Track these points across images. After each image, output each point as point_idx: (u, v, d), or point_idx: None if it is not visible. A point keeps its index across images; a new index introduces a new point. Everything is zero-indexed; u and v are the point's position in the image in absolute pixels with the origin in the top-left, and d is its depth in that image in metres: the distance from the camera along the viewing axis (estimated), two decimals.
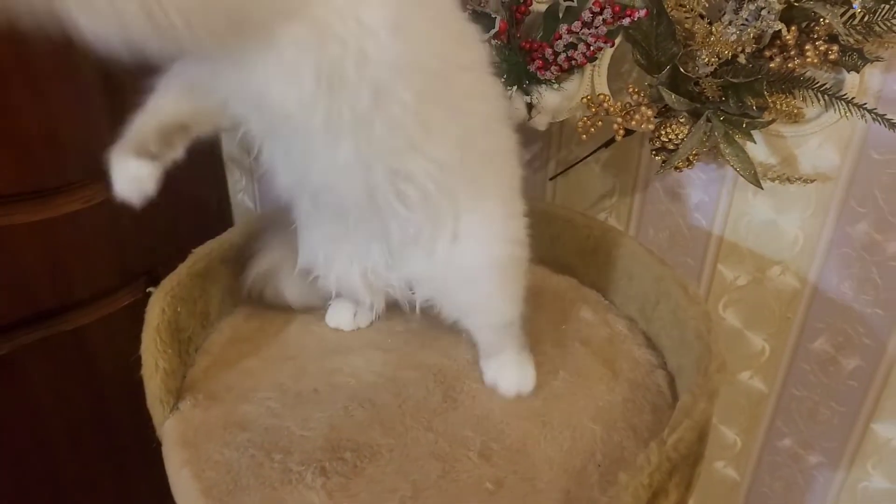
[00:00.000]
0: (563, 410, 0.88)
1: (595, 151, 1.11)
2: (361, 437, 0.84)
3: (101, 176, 1.31)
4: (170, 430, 0.85)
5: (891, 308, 1.05)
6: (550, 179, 1.19)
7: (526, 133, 1.14)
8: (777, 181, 1.02)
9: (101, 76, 1.27)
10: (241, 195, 1.58)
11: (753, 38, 0.85)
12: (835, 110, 0.93)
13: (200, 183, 1.53)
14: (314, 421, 0.85)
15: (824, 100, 0.91)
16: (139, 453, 1.57)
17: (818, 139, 1.00)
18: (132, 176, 0.77)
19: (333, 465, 0.80)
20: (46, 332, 1.36)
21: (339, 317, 0.96)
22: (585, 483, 0.79)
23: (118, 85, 1.28)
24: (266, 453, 0.80)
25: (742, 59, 0.87)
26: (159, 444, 0.87)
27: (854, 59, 0.86)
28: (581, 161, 1.14)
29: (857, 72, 0.88)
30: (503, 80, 1.01)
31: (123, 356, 1.50)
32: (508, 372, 0.88)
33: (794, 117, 0.96)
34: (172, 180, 0.89)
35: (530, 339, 0.93)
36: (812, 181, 1.02)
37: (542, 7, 1.00)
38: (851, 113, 0.91)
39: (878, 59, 0.87)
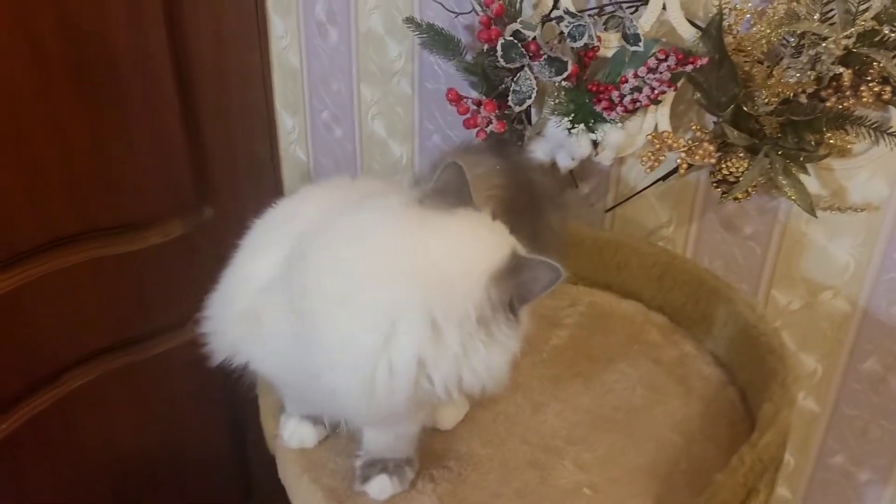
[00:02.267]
0: (644, 424, 0.95)
1: (653, 184, 1.19)
2: (463, 447, 0.90)
3: (178, 212, 1.40)
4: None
5: None
6: (607, 211, 1.27)
7: (585, 168, 1.22)
8: (829, 210, 1.10)
9: (184, 118, 1.36)
10: (293, 147, 1.61)
11: (813, 79, 0.93)
12: (884, 144, 1.01)
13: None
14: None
15: (875, 135, 0.99)
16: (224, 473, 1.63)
17: (867, 172, 1.07)
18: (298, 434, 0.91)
19: (440, 472, 0.87)
20: (131, 359, 1.44)
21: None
22: (674, 488, 0.86)
23: (198, 125, 1.38)
24: None
25: (803, 98, 0.96)
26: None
27: None
28: (639, 193, 1.22)
29: None
30: (570, 119, 1.09)
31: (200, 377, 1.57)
32: None
33: (846, 152, 1.04)
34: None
35: (603, 359, 1.01)
36: (862, 210, 1.09)
37: (609, 52, 1.09)
38: None
39: None
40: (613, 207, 1.26)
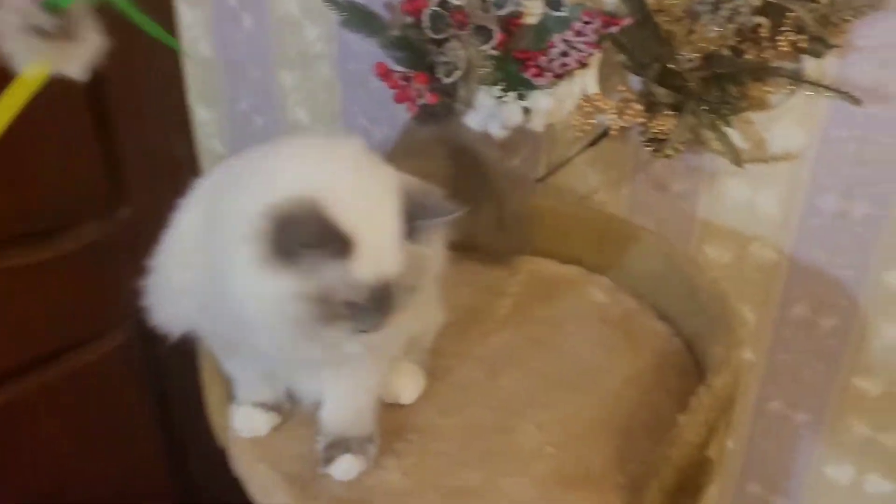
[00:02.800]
0: (599, 381, 0.96)
1: (584, 150, 1.20)
2: (422, 419, 0.89)
3: (93, 214, 1.34)
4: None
5: (860, 269, 1.17)
6: (539, 181, 1.28)
7: (514, 137, 1.23)
8: (752, 163, 1.13)
9: (93, 115, 1.30)
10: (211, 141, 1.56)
11: (734, 32, 0.96)
12: (800, 94, 1.05)
13: None
14: None
15: (793, 85, 1.03)
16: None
17: (786, 122, 1.11)
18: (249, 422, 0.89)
19: (402, 446, 0.86)
20: (45, 378, 1.36)
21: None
22: (634, 438, 0.87)
23: (109, 123, 1.32)
24: None
25: (725, 51, 0.98)
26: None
27: (818, 47, 0.98)
28: (569, 161, 1.23)
29: (821, 58, 1.00)
30: (501, 87, 1.09)
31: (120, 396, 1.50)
32: None
33: (764, 105, 1.08)
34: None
35: (550, 322, 1.02)
36: (783, 160, 1.13)
37: (533, 19, 1.09)
38: (816, 94, 1.03)
39: (836, 46, 0.99)
40: (545, 177, 1.27)
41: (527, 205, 1.11)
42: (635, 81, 1.11)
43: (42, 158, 1.24)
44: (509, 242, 1.14)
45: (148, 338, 1.43)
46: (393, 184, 0.72)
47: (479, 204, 1.10)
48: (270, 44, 1.38)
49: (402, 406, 0.91)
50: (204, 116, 1.51)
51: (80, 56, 0.74)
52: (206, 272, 0.75)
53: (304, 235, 0.67)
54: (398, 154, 1.04)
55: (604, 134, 1.14)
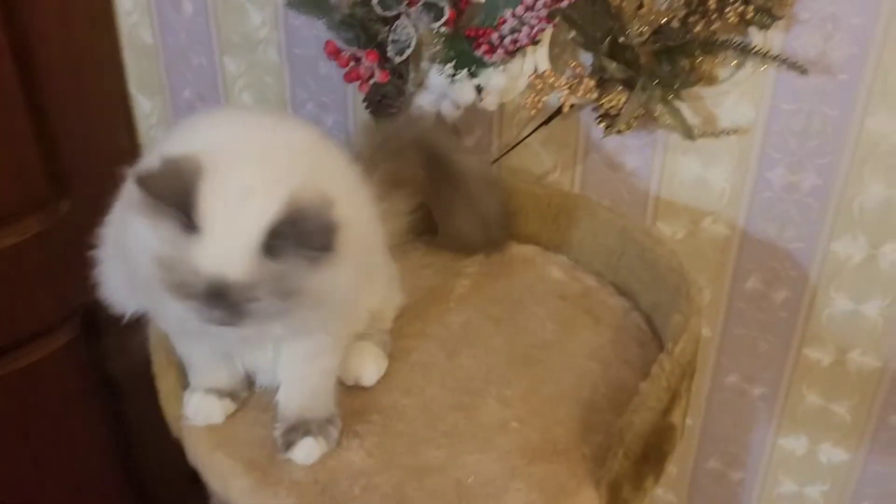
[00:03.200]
0: (560, 356, 0.95)
1: (537, 129, 1.20)
2: (383, 400, 0.87)
3: (32, 208, 1.29)
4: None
5: (809, 240, 1.19)
6: (493, 162, 1.27)
7: (467, 119, 1.22)
8: (702, 138, 1.14)
9: (30, 105, 1.25)
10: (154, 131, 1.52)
11: (683, 3, 0.97)
12: (748, 68, 1.06)
13: None
14: None
15: (741, 57, 1.03)
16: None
17: (734, 97, 1.12)
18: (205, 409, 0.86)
19: (364, 427, 0.84)
20: None
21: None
22: (597, 409, 0.87)
23: (46, 113, 1.27)
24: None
25: (675, 23, 0.99)
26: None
27: (764, 18, 0.99)
28: (522, 141, 1.23)
29: (768, 28, 1.01)
30: (452, 66, 1.08)
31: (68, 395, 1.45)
32: None
33: (713, 79, 1.09)
34: None
35: (510, 301, 1.01)
36: (733, 133, 1.14)
37: None
38: (763, 68, 1.04)
39: (781, 17, 1.00)
40: (499, 158, 1.26)
41: (502, 205, 1.10)
42: (586, 58, 1.11)
43: None
44: (486, 240, 1.13)
45: (95, 333, 1.43)
46: (286, 188, 0.66)
47: (454, 206, 1.09)
48: (213, 29, 1.34)
49: (363, 388, 0.89)
50: (146, 107, 1.47)
51: None
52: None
53: (160, 188, 0.63)
54: (372, 156, 1.02)
55: (557, 112, 1.14)
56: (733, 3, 0.98)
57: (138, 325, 0.87)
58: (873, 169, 1.12)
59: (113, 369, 1.45)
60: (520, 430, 0.84)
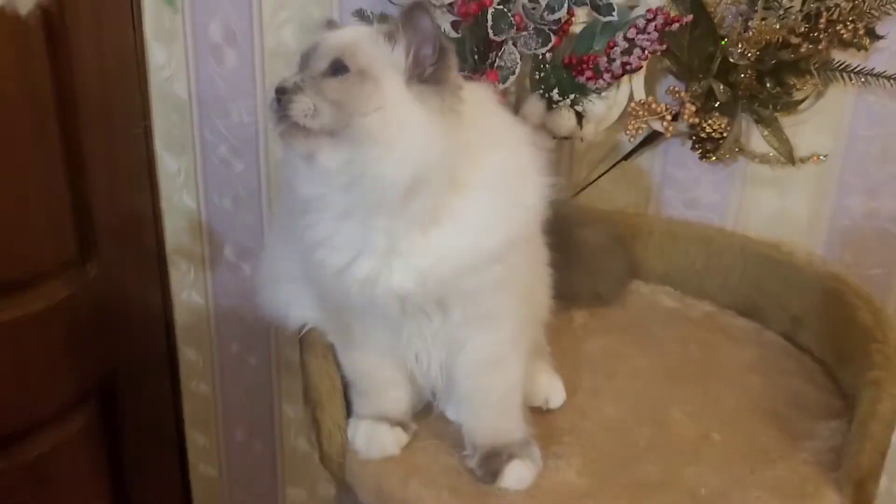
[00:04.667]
0: (717, 371, 0.92)
1: (613, 166, 1.19)
2: (564, 424, 0.80)
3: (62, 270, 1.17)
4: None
5: (889, 267, 1.20)
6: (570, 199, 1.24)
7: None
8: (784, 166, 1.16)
9: (67, 164, 1.14)
10: (187, 292, 1.45)
11: (802, 19, 0.99)
12: (828, 95, 1.10)
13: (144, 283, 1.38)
14: None
15: (833, 78, 1.06)
16: None
17: (813, 125, 1.15)
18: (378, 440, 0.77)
19: (561, 448, 0.76)
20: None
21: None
22: (787, 418, 0.83)
23: (82, 172, 1.17)
24: None
25: (794, 39, 1.00)
26: None
27: (864, 40, 1.03)
28: (597, 179, 1.21)
29: (867, 49, 1.05)
30: (555, 93, 1.06)
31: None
32: None
33: (793, 107, 1.11)
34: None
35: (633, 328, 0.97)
36: (814, 161, 1.16)
37: (577, 27, 1.08)
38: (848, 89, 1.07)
39: (881, 37, 1.04)
40: (574, 196, 1.23)
41: (621, 272, 1.09)
42: (681, 86, 1.12)
43: (20, 206, 1.08)
44: (599, 300, 1.08)
45: (109, 422, 1.27)
46: None
47: (571, 272, 1.03)
48: (258, 80, 1.28)
49: (539, 412, 0.81)
50: (172, 167, 1.37)
51: None
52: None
53: None
54: None
55: (648, 140, 1.14)
56: (844, 21, 1.01)
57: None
58: None
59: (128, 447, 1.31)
60: (724, 442, 0.78)
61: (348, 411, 0.78)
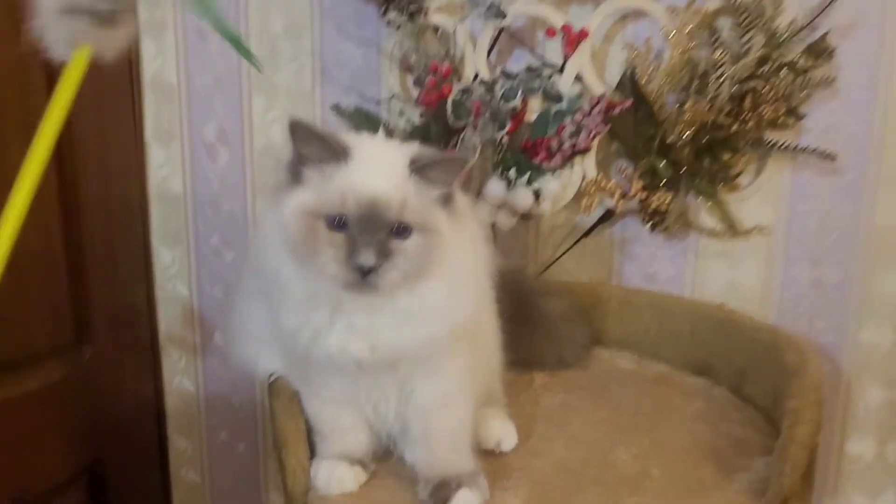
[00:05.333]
0: (667, 420, 0.97)
1: (576, 243, 1.28)
2: (515, 462, 0.85)
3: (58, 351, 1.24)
4: None
5: (838, 333, 1.27)
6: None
7: (505, 242, 1.28)
8: (730, 240, 1.24)
9: (67, 250, 1.24)
10: (179, 379, 1.51)
11: (728, 100, 1.11)
12: (766, 172, 1.20)
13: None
14: None
15: (767, 156, 1.17)
16: None
17: (755, 201, 1.24)
18: (337, 477, 0.82)
19: (511, 482, 0.81)
20: None
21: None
22: (726, 456, 0.89)
23: (81, 259, 1.26)
24: None
25: (722, 118, 1.12)
26: None
27: (789, 119, 1.14)
28: (560, 257, 1.29)
29: (791, 128, 1.16)
30: (513, 173, 1.17)
31: None
32: None
33: (736, 185, 1.21)
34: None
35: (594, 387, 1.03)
36: (758, 233, 1.25)
37: (532, 115, 1.19)
38: (784, 166, 1.18)
39: (802, 117, 1.16)
40: (539, 274, 1.32)
41: (583, 338, 1.16)
42: (629, 165, 1.22)
43: (22, 285, 1.17)
44: (562, 364, 1.15)
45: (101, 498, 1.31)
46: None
47: (533, 339, 1.11)
48: (248, 175, 1.39)
49: (494, 454, 0.87)
50: (166, 258, 1.46)
51: (119, 41, 0.70)
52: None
53: (314, 129, 0.74)
54: None
55: (601, 219, 1.23)
56: (767, 102, 1.12)
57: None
58: (888, 259, 1.24)
59: None
60: (664, 476, 0.83)
61: (313, 453, 0.83)
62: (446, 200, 0.76)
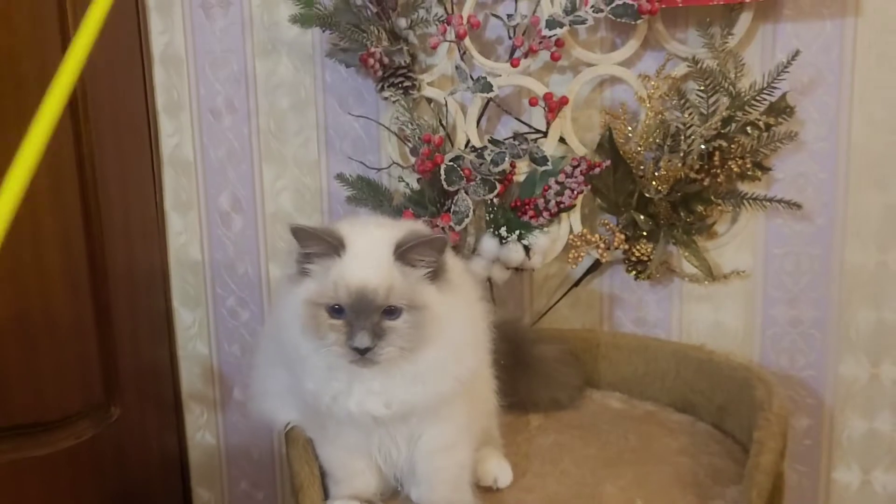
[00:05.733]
0: (651, 455, 1.06)
1: (568, 291, 1.37)
2: (510, 499, 0.93)
3: (88, 411, 1.33)
4: None
5: (819, 368, 1.35)
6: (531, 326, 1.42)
7: (501, 294, 1.38)
8: (712, 283, 1.33)
9: (97, 316, 1.34)
10: (201, 433, 1.60)
11: (698, 158, 1.20)
12: (742, 220, 1.29)
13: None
14: None
15: (740, 206, 1.26)
16: None
17: (733, 247, 1.33)
18: None
19: None
20: None
21: None
22: (706, 486, 0.97)
23: (109, 324, 1.36)
24: None
25: (692, 174, 1.21)
26: None
27: (756, 171, 1.24)
28: (553, 306, 1.39)
29: (759, 180, 1.25)
30: (504, 231, 1.26)
31: None
32: None
33: (714, 233, 1.31)
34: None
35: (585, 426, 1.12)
36: (737, 277, 1.34)
37: (520, 177, 1.30)
38: (757, 214, 1.27)
39: (769, 169, 1.25)
40: (536, 321, 1.41)
41: (576, 381, 1.23)
42: (611, 219, 1.32)
43: (56, 347, 1.26)
44: (556, 405, 1.22)
45: None
46: (405, 226, 0.90)
47: (529, 384, 1.20)
48: (261, 240, 1.49)
49: (489, 491, 0.95)
50: (187, 320, 1.56)
51: None
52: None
53: (313, 230, 0.84)
54: None
55: (590, 269, 1.33)
56: (733, 158, 1.22)
57: None
58: (860, 296, 1.32)
59: None
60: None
61: (327, 496, 0.92)
62: (435, 275, 0.86)
